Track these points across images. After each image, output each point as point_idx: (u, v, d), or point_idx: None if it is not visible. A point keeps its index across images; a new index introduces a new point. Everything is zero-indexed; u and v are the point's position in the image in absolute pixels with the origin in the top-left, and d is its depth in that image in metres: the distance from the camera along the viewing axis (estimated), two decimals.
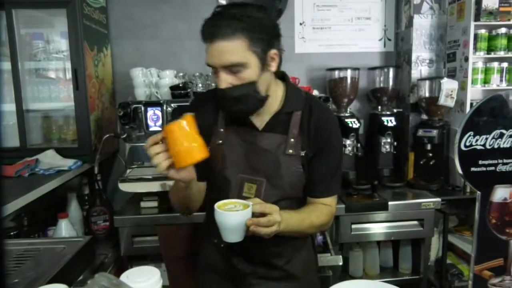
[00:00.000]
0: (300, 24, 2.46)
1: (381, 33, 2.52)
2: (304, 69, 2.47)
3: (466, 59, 2.11)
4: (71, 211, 1.97)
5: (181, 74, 2.20)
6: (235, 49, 0.97)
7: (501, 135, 0.60)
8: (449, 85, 2.10)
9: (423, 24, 2.31)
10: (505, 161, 0.61)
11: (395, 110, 2.35)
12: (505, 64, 2.18)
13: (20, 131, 1.99)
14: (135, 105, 1.89)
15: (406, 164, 2.35)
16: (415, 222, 2.02)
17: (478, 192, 0.63)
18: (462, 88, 2.15)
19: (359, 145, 2.24)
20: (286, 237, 1.02)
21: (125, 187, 1.86)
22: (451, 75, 2.25)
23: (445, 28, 2.29)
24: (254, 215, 0.93)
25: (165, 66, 2.22)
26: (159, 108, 1.87)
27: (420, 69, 2.34)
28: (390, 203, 1.97)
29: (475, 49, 2.11)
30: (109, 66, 2.32)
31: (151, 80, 2.13)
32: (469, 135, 0.59)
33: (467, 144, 0.60)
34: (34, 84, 2.08)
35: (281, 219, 0.97)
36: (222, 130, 1.14)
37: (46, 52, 2.08)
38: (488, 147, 0.60)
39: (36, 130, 2.13)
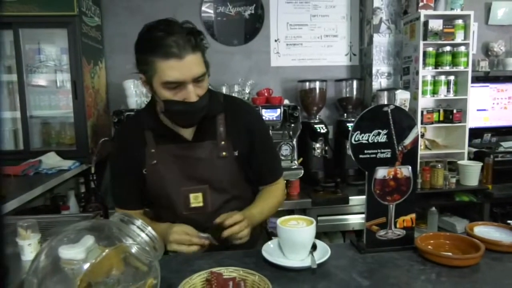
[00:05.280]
0: (275, 40, 2.77)
1: (347, 49, 2.85)
2: (279, 80, 2.78)
3: (417, 73, 2.44)
4: (70, 207, 2.22)
5: None
6: (200, 60, 1.01)
7: (378, 134, 0.89)
8: (402, 96, 2.41)
9: (382, 42, 2.63)
10: (382, 150, 0.90)
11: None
12: (451, 77, 2.50)
13: (24, 135, 2.24)
14: (127, 113, 2.15)
15: None
16: None
17: (366, 172, 0.92)
18: (414, 98, 2.47)
19: (327, 148, 2.54)
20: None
21: None
22: (406, 86, 2.57)
23: (401, 45, 2.62)
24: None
25: None
26: None
27: (380, 81, 2.67)
28: (351, 197, 2.27)
29: (424, 64, 2.43)
30: (104, 78, 2.59)
31: (141, 90, 2.40)
32: (357, 133, 0.88)
33: (356, 139, 0.89)
34: (36, 94, 2.33)
35: (244, 217, 1.07)
36: (153, 150, 1.14)
37: (47, 66, 2.34)
38: (370, 141, 0.89)
39: (36, 135, 2.39)
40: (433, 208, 2.43)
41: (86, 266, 0.63)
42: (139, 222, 0.69)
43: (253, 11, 2.70)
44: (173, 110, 1.04)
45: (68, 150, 2.28)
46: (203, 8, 2.67)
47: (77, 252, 0.66)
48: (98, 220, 0.71)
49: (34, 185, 1.80)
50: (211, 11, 2.68)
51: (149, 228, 0.70)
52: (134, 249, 0.67)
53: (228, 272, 0.79)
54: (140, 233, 0.68)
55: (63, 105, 2.37)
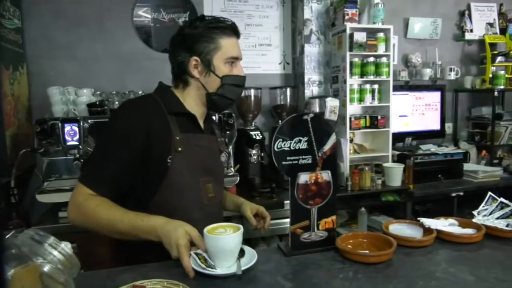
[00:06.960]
0: None
1: (281, 58, 2.94)
2: None
3: (345, 82, 2.59)
4: None
5: (98, 92, 2.37)
6: None
7: (299, 141, 0.94)
8: (332, 103, 2.55)
9: (312, 52, 2.76)
10: (303, 157, 0.95)
11: None
12: (375, 86, 2.69)
13: None
14: (52, 122, 2.03)
15: None
16: None
17: (289, 178, 0.96)
18: (343, 105, 2.62)
19: (263, 154, 2.59)
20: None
21: (43, 198, 1.98)
22: (336, 94, 2.72)
23: (330, 55, 2.77)
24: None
25: (83, 85, 2.37)
26: (76, 124, 2.03)
27: (312, 89, 2.79)
28: (286, 201, 2.33)
29: (351, 73, 2.59)
30: (25, 84, 2.41)
31: (68, 98, 2.27)
32: (279, 141, 0.93)
33: (279, 147, 0.93)
34: None
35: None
36: (178, 137, 1.12)
37: None
38: (292, 148, 0.94)
39: None
40: (363, 209, 2.58)
41: None
42: (51, 240, 0.66)
43: (187, 19, 2.69)
44: (232, 83, 1.17)
45: None
46: (139, 12, 2.61)
47: None
48: (7, 240, 0.66)
49: None
50: (149, 16, 2.62)
51: (63, 245, 0.67)
52: (46, 268, 0.63)
53: (151, 284, 0.78)
54: (52, 251, 0.64)
55: None
